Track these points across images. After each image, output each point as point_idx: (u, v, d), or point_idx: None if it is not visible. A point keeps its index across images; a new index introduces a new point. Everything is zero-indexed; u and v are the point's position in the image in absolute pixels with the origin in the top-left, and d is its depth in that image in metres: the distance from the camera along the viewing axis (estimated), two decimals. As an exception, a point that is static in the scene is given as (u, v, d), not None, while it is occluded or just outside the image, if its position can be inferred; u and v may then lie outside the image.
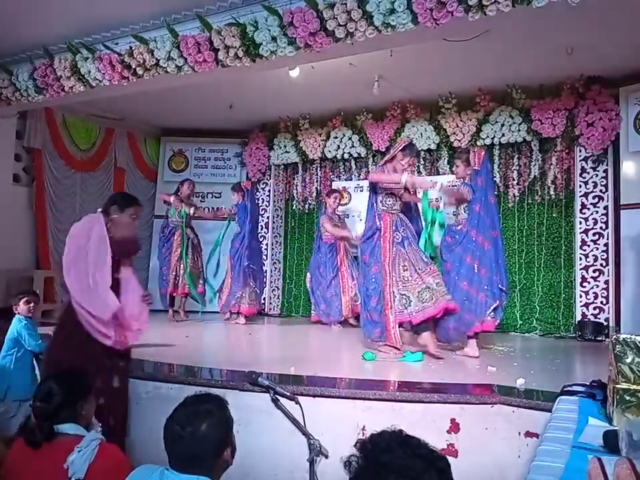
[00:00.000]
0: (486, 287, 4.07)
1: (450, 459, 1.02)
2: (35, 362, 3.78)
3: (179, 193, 6.56)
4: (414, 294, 4.08)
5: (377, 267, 4.24)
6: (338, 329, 5.99)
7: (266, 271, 7.41)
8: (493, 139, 6.06)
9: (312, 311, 6.55)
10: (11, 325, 3.71)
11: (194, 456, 1.50)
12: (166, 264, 6.43)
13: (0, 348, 3.70)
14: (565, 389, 2.52)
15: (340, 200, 6.40)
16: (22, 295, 3.80)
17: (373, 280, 4.25)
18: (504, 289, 4.16)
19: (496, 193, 4.49)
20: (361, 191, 6.87)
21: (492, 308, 4.08)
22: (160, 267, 6.57)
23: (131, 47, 4.41)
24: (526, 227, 6.11)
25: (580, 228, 5.72)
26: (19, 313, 3.73)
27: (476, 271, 4.08)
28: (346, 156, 6.95)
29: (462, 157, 4.38)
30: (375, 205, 4.33)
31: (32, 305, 3.74)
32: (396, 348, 4.17)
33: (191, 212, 6.47)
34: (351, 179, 7.07)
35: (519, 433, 2.66)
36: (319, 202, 7.34)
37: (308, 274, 6.53)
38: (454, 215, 4.47)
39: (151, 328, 6.10)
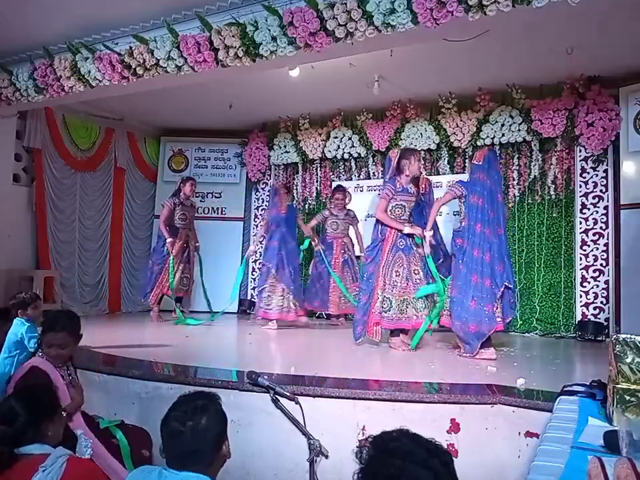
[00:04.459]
0: (492, 277, 4.03)
1: (450, 458, 1.04)
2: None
3: (181, 194, 6.40)
4: (397, 300, 4.36)
5: (373, 267, 4.47)
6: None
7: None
8: (493, 138, 6.06)
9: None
10: (12, 327, 3.70)
11: (194, 451, 1.50)
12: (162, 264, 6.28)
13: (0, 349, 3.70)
14: (565, 388, 2.52)
15: (345, 199, 6.29)
16: (28, 302, 3.77)
17: (368, 279, 4.50)
18: (510, 285, 4.08)
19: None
20: (361, 191, 6.88)
21: (497, 302, 4.02)
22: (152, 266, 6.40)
23: (130, 47, 4.41)
24: (526, 226, 6.11)
25: (580, 228, 5.72)
26: (27, 318, 3.72)
27: (487, 262, 4.03)
28: (346, 156, 6.95)
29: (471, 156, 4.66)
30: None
31: (38, 309, 3.73)
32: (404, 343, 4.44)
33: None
34: (350, 179, 7.07)
35: (519, 433, 2.66)
36: (319, 202, 7.34)
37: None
38: (454, 215, 4.60)
39: (151, 328, 6.12)
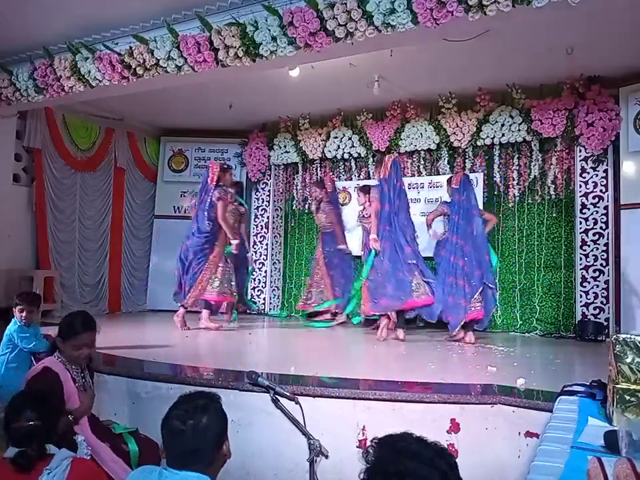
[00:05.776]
0: (467, 278, 4.84)
1: (450, 459, 1.04)
2: (33, 361, 3.77)
3: (223, 185, 5.58)
4: None
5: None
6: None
7: (266, 270, 7.45)
8: (493, 138, 6.06)
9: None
10: (9, 324, 3.71)
11: (195, 450, 1.50)
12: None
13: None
14: (565, 388, 2.52)
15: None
16: (17, 301, 3.75)
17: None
18: (491, 285, 4.93)
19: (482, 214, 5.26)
20: (361, 191, 6.87)
21: (476, 297, 4.82)
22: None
23: (130, 47, 4.41)
24: (526, 226, 6.11)
25: (580, 228, 5.72)
26: (19, 319, 3.72)
27: (460, 266, 4.88)
28: (346, 156, 6.95)
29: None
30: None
31: (24, 314, 3.67)
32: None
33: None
34: (351, 179, 7.07)
35: (519, 433, 2.66)
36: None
37: None
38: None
39: (152, 328, 6.11)
